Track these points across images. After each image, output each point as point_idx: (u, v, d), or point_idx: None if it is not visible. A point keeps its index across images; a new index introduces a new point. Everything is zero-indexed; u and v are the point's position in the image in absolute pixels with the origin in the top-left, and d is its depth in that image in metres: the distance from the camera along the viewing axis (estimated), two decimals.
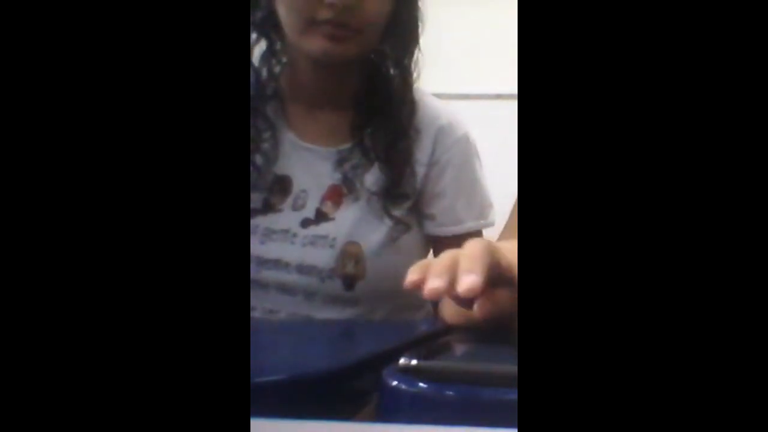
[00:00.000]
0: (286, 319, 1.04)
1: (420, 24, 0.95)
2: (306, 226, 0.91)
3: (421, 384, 0.47)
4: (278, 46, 0.91)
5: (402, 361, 0.50)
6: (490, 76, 2.39)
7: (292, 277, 0.91)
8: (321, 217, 0.91)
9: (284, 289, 0.93)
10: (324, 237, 0.90)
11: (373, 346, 0.66)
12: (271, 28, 0.89)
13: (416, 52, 0.95)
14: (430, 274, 0.52)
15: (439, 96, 1.15)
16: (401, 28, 0.92)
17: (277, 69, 0.93)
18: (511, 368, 0.40)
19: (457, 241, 0.99)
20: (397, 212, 0.92)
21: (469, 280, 0.50)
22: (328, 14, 0.83)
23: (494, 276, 0.53)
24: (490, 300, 0.53)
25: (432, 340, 0.69)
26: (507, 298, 0.53)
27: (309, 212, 0.91)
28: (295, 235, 0.91)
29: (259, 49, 0.92)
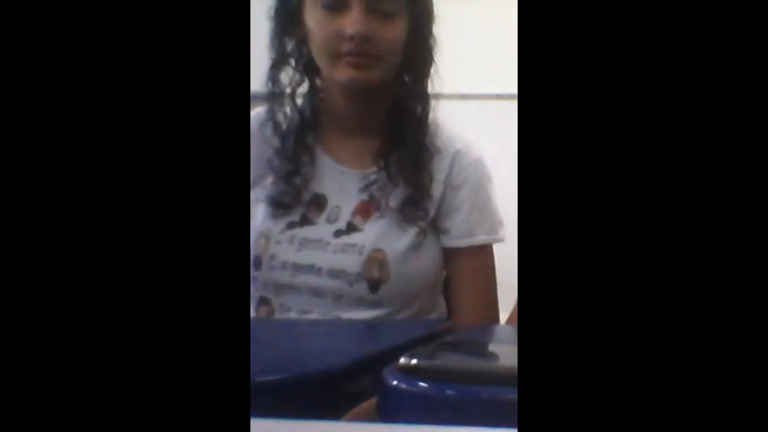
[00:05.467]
0: (287, 319, 1.04)
1: (435, 51, 1.09)
2: (338, 236, 1.04)
3: (421, 384, 0.47)
4: (317, 83, 1.09)
5: (402, 361, 0.50)
6: (490, 76, 2.39)
7: (323, 281, 1.02)
8: (351, 228, 1.04)
9: (316, 292, 1.03)
10: (353, 245, 1.03)
11: (373, 346, 0.66)
12: (311, 69, 1.06)
13: (433, 78, 1.09)
14: None
15: (439, 96, 1.15)
16: (418, 58, 1.06)
17: (316, 103, 1.10)
18: (511, 368, 0.40)
19: (469, 252, 1.07)
20: (418, 224, 1.05)
21: None
22: (351, 46, 0.97)
23: None
24: None
25: (432, 340, 0.69)
26: None
27: (341, 224, 1.05)
28: (328, 243, 1.03)
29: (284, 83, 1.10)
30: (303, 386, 0.55)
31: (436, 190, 1.06)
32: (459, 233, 1.06)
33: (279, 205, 1.05)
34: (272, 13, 1.06)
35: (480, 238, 1.07)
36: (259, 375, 0.47)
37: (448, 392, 0.47)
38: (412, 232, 1.04)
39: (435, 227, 1.07)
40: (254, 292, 1.06)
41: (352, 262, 1.01)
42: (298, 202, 1.05)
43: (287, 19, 1.05)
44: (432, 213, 1.05)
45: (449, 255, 1.08)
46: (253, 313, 1.05)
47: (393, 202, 1.04)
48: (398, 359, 0.50)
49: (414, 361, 0.49)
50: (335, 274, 1.02)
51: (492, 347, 0.73)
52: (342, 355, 0.64)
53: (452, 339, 0.73)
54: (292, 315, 1.03)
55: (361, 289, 1.01)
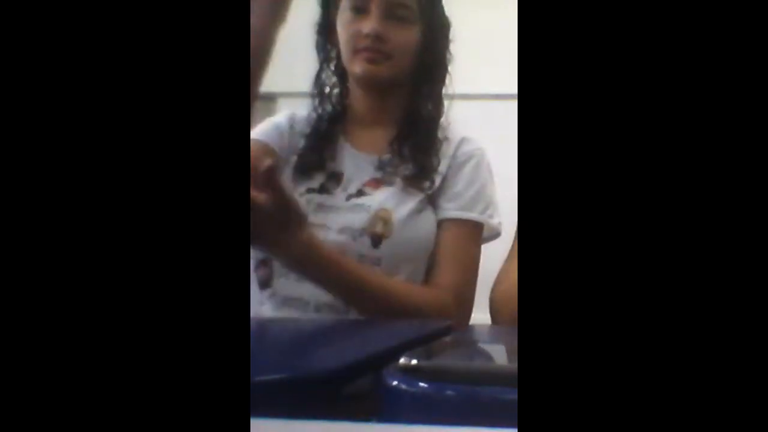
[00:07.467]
0: (286, 319, 1.05)
1: (449, 60, 1.25)
2: (349, 199, 1.18)
3: (421, 384, 0.47)
4: (345, 83, 1.28)
5: (402, 361, 0.50)
6: (490, 76, 2.40)
7: (331, 238, 1.12)
8: (361, 193, 1.19)
9: None
10: (362, 205, 1.17)
11: (373, 346, 0.66)
12: (344, 73, 1.25)
13: (447, 83, 1.25)
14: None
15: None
16: (431, 63, 1.23)
17: (344, 102, 1.29)
18: (511, 368, 0.40)
19: (456, 223, 1.17)
20: (424, 191, 1.18)
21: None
22: (366, 42, 1.16)
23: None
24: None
25: (432, 340, 0.69)
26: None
27: (352, 191, 1.20)
28: (340, 207, 1.17)
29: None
30: (303, 386, 0.55)
31: (443, 166, 1.20)
32: (455, 206, 1.18)
33: (301, 173, 1.19)
34: (317, 26, 1.25)
35: (472, 215, 1.18)
36: (259, 375, 0.47)
37: (448, 392, 0.47)
38: (416, 198, 1.17)
39: (434, 204, 1.19)
40: (255, 254, 1.12)
41: (358, 219, 1.13)
42: (320, 175, 1.20)
43: (327, 29, 1.23)
44: (437, 184, 1.18)
45: (441, 224, 1.19)
46: (252, 275, 1.11)
47: (402, 175, 1.18)
48: (398, 359, 0.50)
49: (414, 361, 0.49)
50: (342, 230, 1.13)
51: (492, 347, 0.73)
52: (342, 355, 0.64)
53: (452, 339, 0.73)
54: (291, 278, 1.10)
55: (364, 243, 1.12)
